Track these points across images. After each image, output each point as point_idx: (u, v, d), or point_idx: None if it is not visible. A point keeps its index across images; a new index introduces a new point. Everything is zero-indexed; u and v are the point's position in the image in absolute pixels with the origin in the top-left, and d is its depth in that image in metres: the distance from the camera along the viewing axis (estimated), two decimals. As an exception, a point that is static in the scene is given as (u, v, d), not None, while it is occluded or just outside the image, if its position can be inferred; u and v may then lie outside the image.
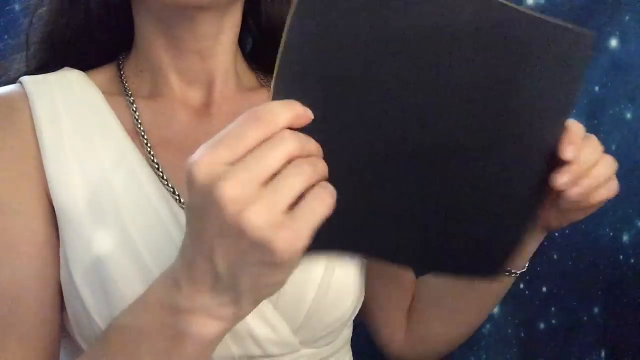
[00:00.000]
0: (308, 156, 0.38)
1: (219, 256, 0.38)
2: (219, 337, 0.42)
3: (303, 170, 0.37)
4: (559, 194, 0.50)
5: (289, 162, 0.37)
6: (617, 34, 0.83)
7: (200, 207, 0.37)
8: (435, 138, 0.46)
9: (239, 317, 0.41)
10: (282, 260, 0.36)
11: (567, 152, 0.48)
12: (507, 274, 0.61)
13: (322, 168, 0.39)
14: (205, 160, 0.36)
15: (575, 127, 0.49)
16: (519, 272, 0.61)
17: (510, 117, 0.48)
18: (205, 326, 0.40)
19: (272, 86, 0.40)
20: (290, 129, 0.38)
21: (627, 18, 0.82)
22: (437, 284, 0.69)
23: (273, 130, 0.37)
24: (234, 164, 0.36)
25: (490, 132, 0.47)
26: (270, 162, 0.36)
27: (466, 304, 0.67)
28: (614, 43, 0.83)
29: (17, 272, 0.52)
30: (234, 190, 0.35)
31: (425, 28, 0.43)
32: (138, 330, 0.43)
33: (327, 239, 0.42)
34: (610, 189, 0.52)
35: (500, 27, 0.45)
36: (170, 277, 0.41)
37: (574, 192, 0.50)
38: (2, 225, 0.52)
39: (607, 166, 0.51)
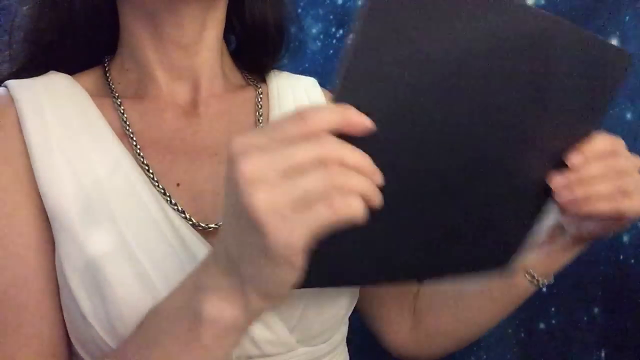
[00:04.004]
0: (348, 166, 0.37)
1: (229, 233, 0.38)
2: (232, 328, 0.41)
3: (330, 175, 0.36)
4: None
5: (324, 165, 0.36)
6: (617, 34, 0.83)
7: (227, 182, 0.38)
8: (467, 156, 0.45)
9: (248, 310, 0.40)
10: (274, 251, 0.36)
11: (571, 157, 0.50)
12: (530, 278, 0.60)
13: (361, 183, 0.37)
14: (241, 140, 0.37)
15: (595, 140, 0.50)
16: (543, 282, 0.61)
17: (541, 126, 0.47)
18: (216, 307, 0.40)
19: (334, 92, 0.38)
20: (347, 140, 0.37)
21: (627, 18, 0.82)
22: None
23: (311, 129, 0.37)
24: (264, 149, 0.36)
25: (518, 142, 0.47)
26: (295, 155, 0.36)
27: (479, 304, 0.67)
28: (614, 43, 0.83)
29: (18, 276, 0.52)
30: (249, 167, 0.36)
31: (473, 47, 0.40)
32: (166, 311, 0.45)
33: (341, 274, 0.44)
34: (616, 203, 0.51)
35: (542, 36, 0.44)
36: (206, 257, 0.42)
37: (563, 196, 0.50)
38: None
39: (610, 180, 0.50)
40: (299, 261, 0.37)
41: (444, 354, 0.73)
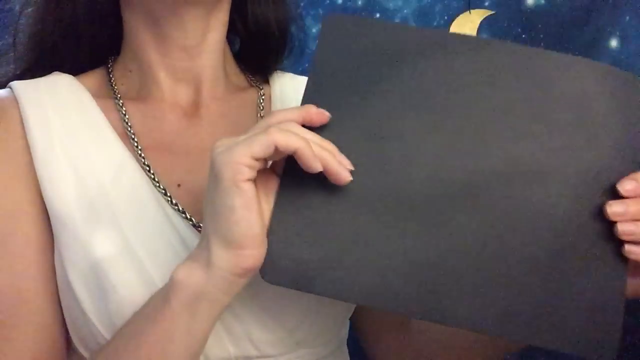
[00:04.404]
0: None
1: (205, 197, 0.45)
2: (197, 291, 0.44)
3: (280, 128, 0.42)
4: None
5: None
6: (617, 34, 0.83)
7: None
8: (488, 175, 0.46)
9: (211, 269, 0.43)
10: (220, 173, 0.43)
11: (624, 183, 0.45)
12: None
13: (314, 138, 0.44)
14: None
15: None
16: None
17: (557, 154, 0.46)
18: (184, 270, 0.45)
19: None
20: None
21: (627, 18, 0.82)
22: None
23: (279, 120, 0.44)
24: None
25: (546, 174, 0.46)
26: (257, 131, 0.43)
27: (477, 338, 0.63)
28: (614, 43, 0.83)
29: (16, 276, 0.52)
30: (220, 143, 0.45)
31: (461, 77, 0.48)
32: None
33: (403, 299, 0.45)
34: None
35: (537, 69, 0.47)
36: None
37: (625, 227, 0.45)
38: None
39: None
40: (246, 188, 0.42)
41: None
